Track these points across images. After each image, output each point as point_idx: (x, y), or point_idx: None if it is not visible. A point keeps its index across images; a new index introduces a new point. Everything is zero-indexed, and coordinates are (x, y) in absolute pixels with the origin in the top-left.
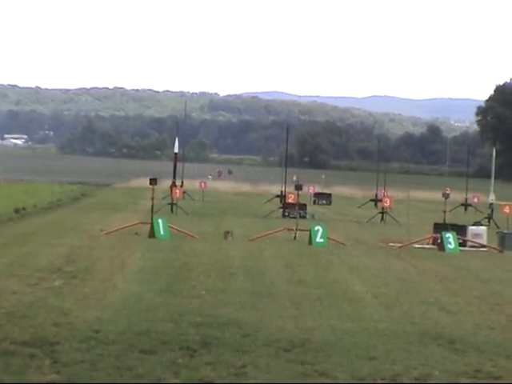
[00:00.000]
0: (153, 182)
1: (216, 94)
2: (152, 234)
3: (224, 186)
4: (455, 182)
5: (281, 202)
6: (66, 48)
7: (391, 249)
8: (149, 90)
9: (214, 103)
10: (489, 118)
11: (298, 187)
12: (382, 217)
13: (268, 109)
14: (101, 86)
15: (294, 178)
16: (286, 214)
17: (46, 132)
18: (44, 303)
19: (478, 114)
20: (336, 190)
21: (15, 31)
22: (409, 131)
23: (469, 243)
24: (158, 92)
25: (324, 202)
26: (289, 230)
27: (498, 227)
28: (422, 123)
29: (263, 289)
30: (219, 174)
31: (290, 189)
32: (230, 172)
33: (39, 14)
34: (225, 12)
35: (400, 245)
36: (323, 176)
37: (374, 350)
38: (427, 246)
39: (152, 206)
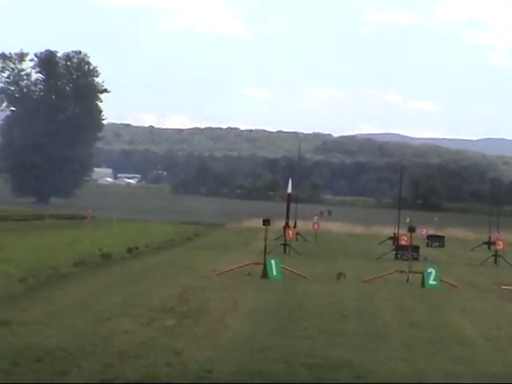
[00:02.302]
0: (266, 222)
1: (329, 134)
2: (264, 274)
3: (337, 227)
4: None
5: (394, 243)
6: (180, 88)
7: (504, 292)
8: (262, 130)
9: (328, 144)
10: None
11: (411, 229)
12: (495, 260)
13: (382, 151)
14: (214, 126)
15: (407, 220)
16: (399, 256)
17: (160, 172)
18: (156, 343)
19: None
20: (449, 233)
21: (130, 72)
22: None
23: None
24: (271, 132)
25: (437, 244)
26: (401, 272)
27: None
28: None
29: (375, 331)
30: (321, 214)
31: (403, 231)
32: (329, 213)
33: (152, 58)
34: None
35: None
36: (436, 218)
37: None
38: None
39: (265, 247)
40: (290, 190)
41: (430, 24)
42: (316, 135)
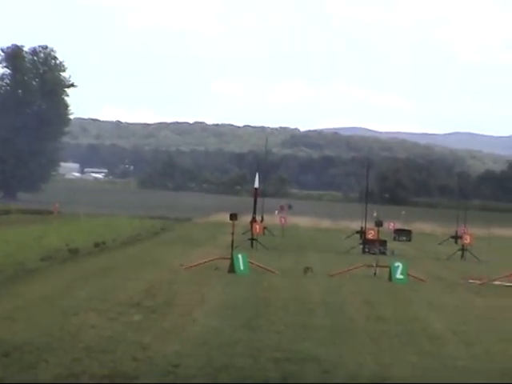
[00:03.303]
0: (233, 217)
1: (296, 129)
2: (232, 269)
3: (304, 221)
4: None
5: (361, 238)
6: (146, 82)
7: (471, 286)
8: (229, 125)
9: (295, 138)
10: None
11: (379, 223)
12: (462, 254)
13: (348, 145)
14: (181, 120)
15: (374, 214)
16: (366, 250)
17: (126, 166)
18: (123, 338)
19: None
20: (416, 227)
21: (96, 67)
22: (489, 168)
23: None
24: (238, 127)
25: (404, 238)
26: (368, 266)
27: None
28: (502, 160)
29: (342, 325)
30: (281, 209)
31: (371, 225)
32: (289, 207)
33: (119, 53)
34: (305, 48)
35: (480, 282)
36: (403, 212)
37: None
38: (508, 284)
39: (232, 241)
40: (256, 184)
41: (397, 19)
42: (283, 129)
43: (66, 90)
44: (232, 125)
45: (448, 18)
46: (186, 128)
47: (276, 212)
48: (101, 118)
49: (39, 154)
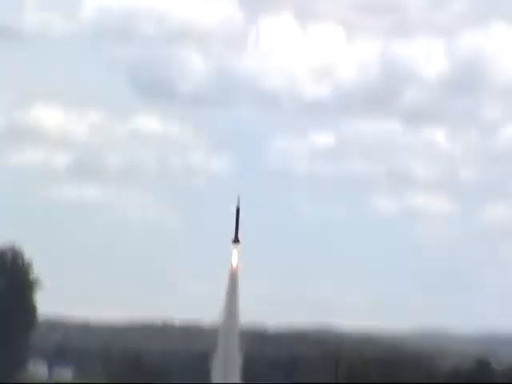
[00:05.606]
0: None
1: (263, 324)
2: None
3: None
4: None
5: None
6: (114, 282)
7: None
8: (196, 326)
9: (264, 338)
10: None
11: None
12: None
13: (316, 342)
14: (149, 321)
15: None
16: None
17: (95, 367)
18: None
19: None
20: None
21: (63, 266)
22: (457, 364)
23: None
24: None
25: None
26: None
27: None
28: (470, 357)
29: None
30: None
31: None
32: None
33: (93, 251)
34: None
35: None
36: None
37: None
38: None
39: None
40: None
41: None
42: (251, 326)
43: (33, 289)
44: (199, 325)
45: (412, 213)
46: (154, 328)
47: None
48: (68, 318)
49: (6, 355)
